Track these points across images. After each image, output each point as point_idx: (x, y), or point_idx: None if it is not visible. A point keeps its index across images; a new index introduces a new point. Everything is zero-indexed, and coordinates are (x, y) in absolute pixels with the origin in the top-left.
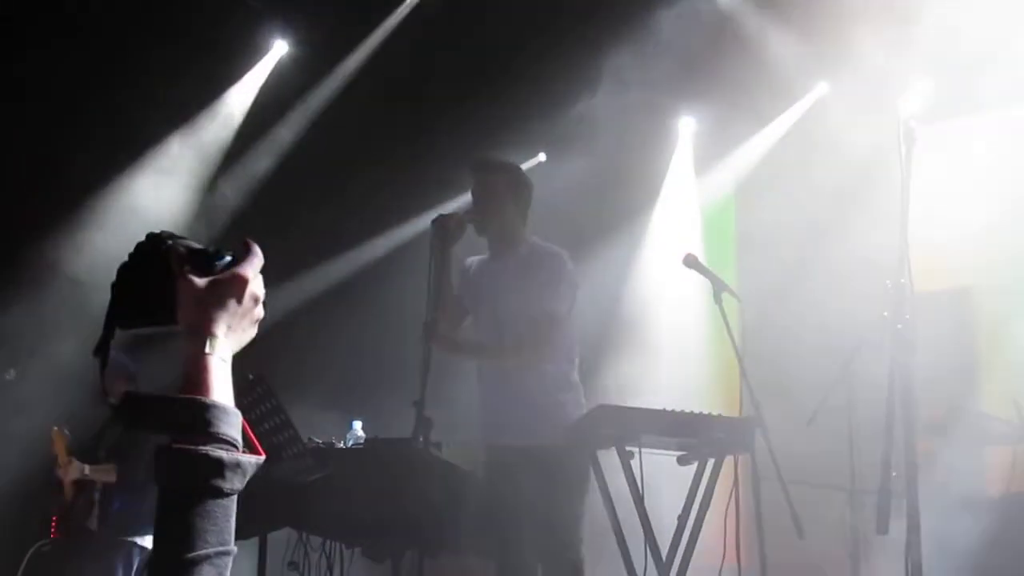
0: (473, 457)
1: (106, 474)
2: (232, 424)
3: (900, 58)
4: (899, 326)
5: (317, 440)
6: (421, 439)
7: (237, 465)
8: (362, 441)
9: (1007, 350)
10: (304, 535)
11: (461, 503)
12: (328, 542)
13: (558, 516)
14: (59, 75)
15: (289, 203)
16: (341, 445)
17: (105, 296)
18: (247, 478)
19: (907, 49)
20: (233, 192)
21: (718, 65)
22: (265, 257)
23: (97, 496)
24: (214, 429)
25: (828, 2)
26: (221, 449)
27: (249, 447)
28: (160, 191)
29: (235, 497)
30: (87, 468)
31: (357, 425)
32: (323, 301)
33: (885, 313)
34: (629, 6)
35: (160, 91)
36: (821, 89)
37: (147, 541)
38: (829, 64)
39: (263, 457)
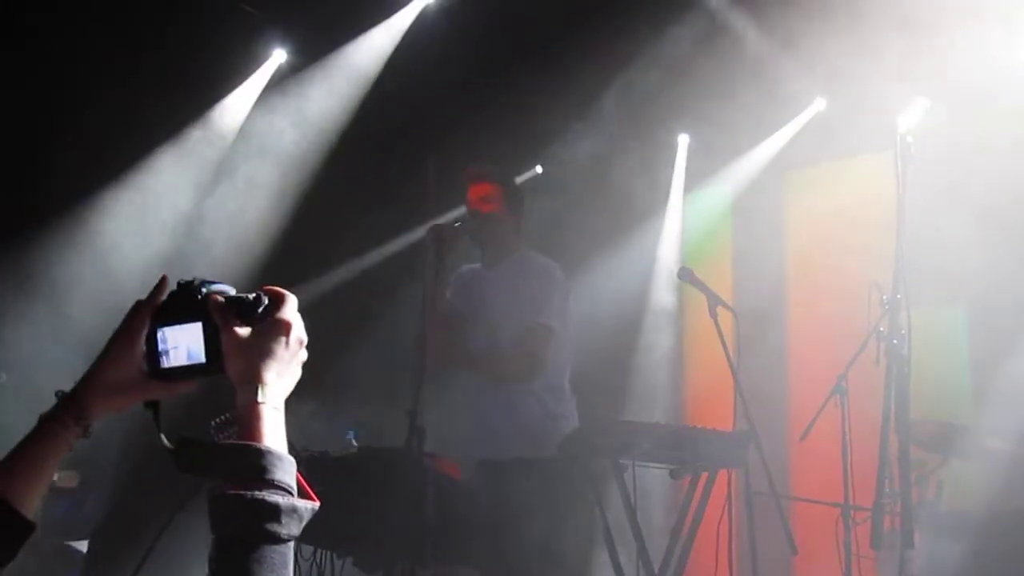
0: (465, 467)
1: (70, 481)
2: (287, 471)
3: (899, 75)
4: (895, 341)
5: (310, 449)
6: (414, 449)
7: (293, 510)
8: (355, 450)
9: (1001, 367)
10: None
11: (453, 514)
12: (319, 551)
13: (541, 526)
14: (53, 83)
15: (285, 213)
16: (333, 454)
17: (91, 304)
18: (303, 524)
19: (907, 66)
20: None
21: (715, 81)
22: (259, 269)
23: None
24: (270, 476)
25: (828, 19)
26: (277, 495)
27: (302, 494)
28: (153, 201)
29: (292, 544)
30: (56, 475)
31: (350, 434)
32: (318, 310)
33: (881, 328)
34: (628, 21)
35: (156, 99)
36: (819, 105)
37: (83, 546)
38: (827, 80)
39: (318, 504)
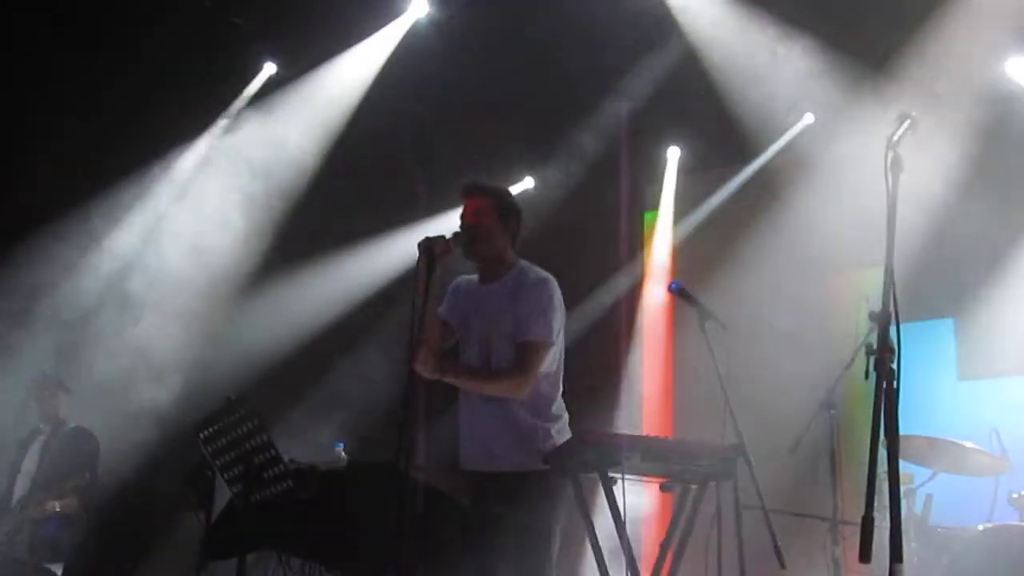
0: (456, 481)
1: (71, 507)
2: None
3: (889, 88)
4: (884, 355)
5: (299, 461)
6: (404, 462)
7: None
8: (344, 463)
9: (986, 381)
10: (283, 557)
11: (443, 527)
12: (308, 564)
13: (536, 542)
14: (48, 93)
15: (280, 223)
16: (322, 467)
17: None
18: None
19: (897, 79)
20: None
21: (707, 94)
22: (254, 279)
23: (28, 525)
24: None
25: (818, 32)
26: None
27: None
28: (148, 208)
29: None
30: (58, 504)
31: (339, 447)
32: (310, 323)
33: (871, 341)
34: (619, 35)
35: (148, 111)
36: (808, 119)
37: (60, 569)
38: (815, 95)
39: None
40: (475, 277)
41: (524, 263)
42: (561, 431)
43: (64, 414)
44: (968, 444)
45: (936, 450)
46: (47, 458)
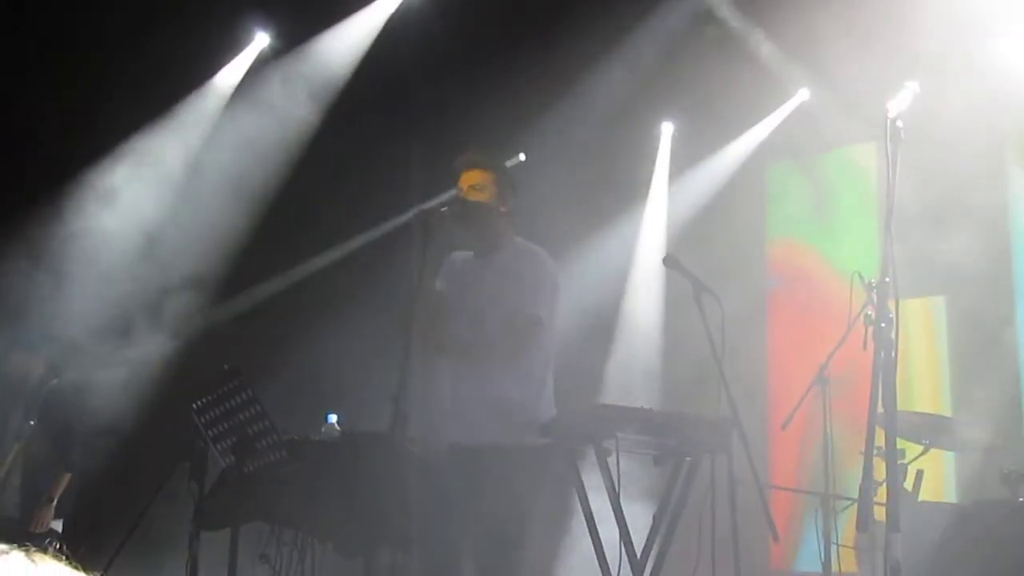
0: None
1: (59, 486)
2: None
3: (884, 63)
4: (883, 324)
5: (291, 432)
6: (397, 434)
7: None
8: (337, 435)
9: (979, 357)
10: (276, 528)
11: (430, 500)
12: (300, 536)
13: (516, 514)
14: (40, 67)
15: (268, 197)
16: (316, 438)
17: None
18: None
19: (891, 54)
20: None
21: (700, 70)
22: (244, 251)
23: (18, 483)
24: None
25: (812, 10)
26: None
27: None
28: (135, 182)
29: None
30: (53, 489)
31: (332, 418)
32: (301, 293)
33: (869, 311)
34: (613, 9)
35: (140, 81)
36: (803, 95)
37: (59, 526)
38: (811, 70)
39: None
40: (470, 252)
41: (520, 239)
42: (547, 409)
43: (40, 376)
44: (959, 420)
45: (927, 426)
46: (27, 421)
